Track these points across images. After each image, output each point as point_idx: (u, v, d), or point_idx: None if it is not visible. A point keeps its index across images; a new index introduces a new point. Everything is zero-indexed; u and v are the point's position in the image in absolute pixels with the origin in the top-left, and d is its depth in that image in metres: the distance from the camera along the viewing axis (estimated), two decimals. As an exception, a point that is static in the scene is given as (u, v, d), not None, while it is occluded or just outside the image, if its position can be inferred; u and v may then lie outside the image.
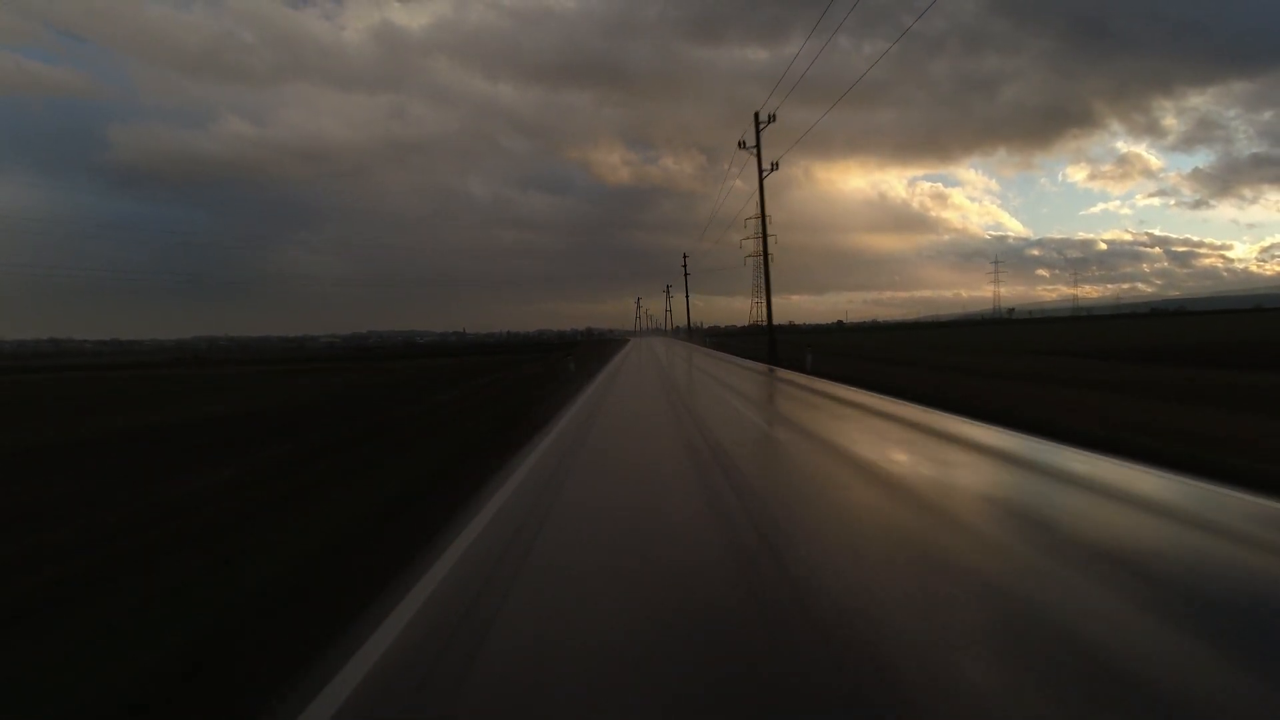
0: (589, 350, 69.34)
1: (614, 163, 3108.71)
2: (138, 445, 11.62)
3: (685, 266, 76.83)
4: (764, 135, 30.05)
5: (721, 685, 2.85)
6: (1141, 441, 8.10)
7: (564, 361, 36.30)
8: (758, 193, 31.02)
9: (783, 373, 24.36)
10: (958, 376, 19.26)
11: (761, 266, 32.79)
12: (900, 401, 13.78)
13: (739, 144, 31.60)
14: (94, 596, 4.13)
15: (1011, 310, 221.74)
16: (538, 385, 22.89)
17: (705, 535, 5.07)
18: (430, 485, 7.19)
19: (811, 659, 3.04)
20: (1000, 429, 9.79)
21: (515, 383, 24.92)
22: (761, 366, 28.41)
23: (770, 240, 32.05)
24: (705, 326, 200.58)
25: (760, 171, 30.61)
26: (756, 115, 30.34)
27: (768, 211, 31.32)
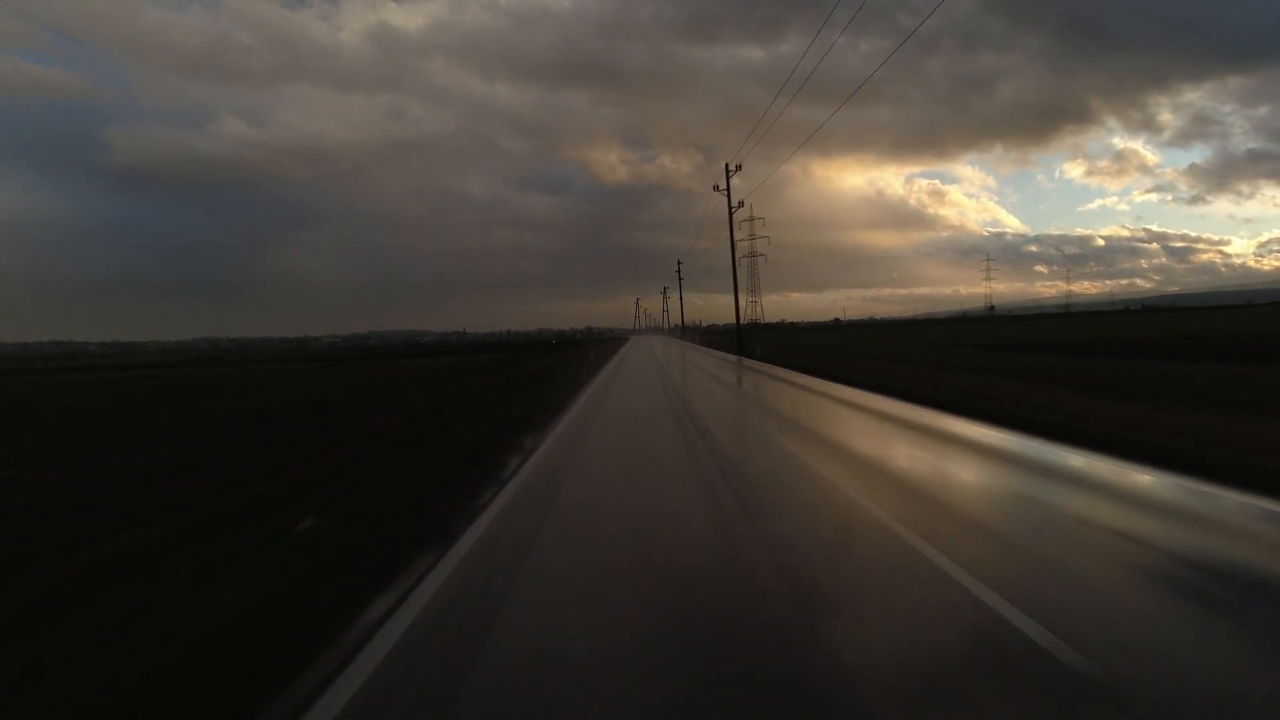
0: (598, 346, 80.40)
1: (612, 162, 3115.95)
2: (293, 412, 16.77)
3: (679, 272, 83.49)
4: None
5: (648, 422, 11.54)
6: (903, 387, 16.66)
7: (584, 352, 45.79)
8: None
9: (736, 358, 32.91)
10: (848, 359, 27.67)
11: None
12: (788, 370, 23.08)
13: (714, 188, 39.10)
14: (404, 447, 11.72)
15: (992, 307, 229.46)
16: (580, 360, 33.32)
17: (660, 396, 14.77)
18: (541, 404, 16.38)
19: (686, 424, 12.22)
20: (824, 381, 18.29)
21: (571, 358, 34.27)
22: (729, 356, 36.84)
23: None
24: (704, 325, 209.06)
25: (730, 209, 38.86)
26: (727, 166, 38.31)
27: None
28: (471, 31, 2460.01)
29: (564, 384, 21.48)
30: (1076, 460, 7.29)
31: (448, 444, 10.05)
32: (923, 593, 3.75)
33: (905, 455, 8.09)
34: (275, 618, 3.76)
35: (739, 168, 38.24)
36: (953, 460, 7.72)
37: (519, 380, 24.74)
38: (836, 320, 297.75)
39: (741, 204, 39.66)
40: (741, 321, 45.57)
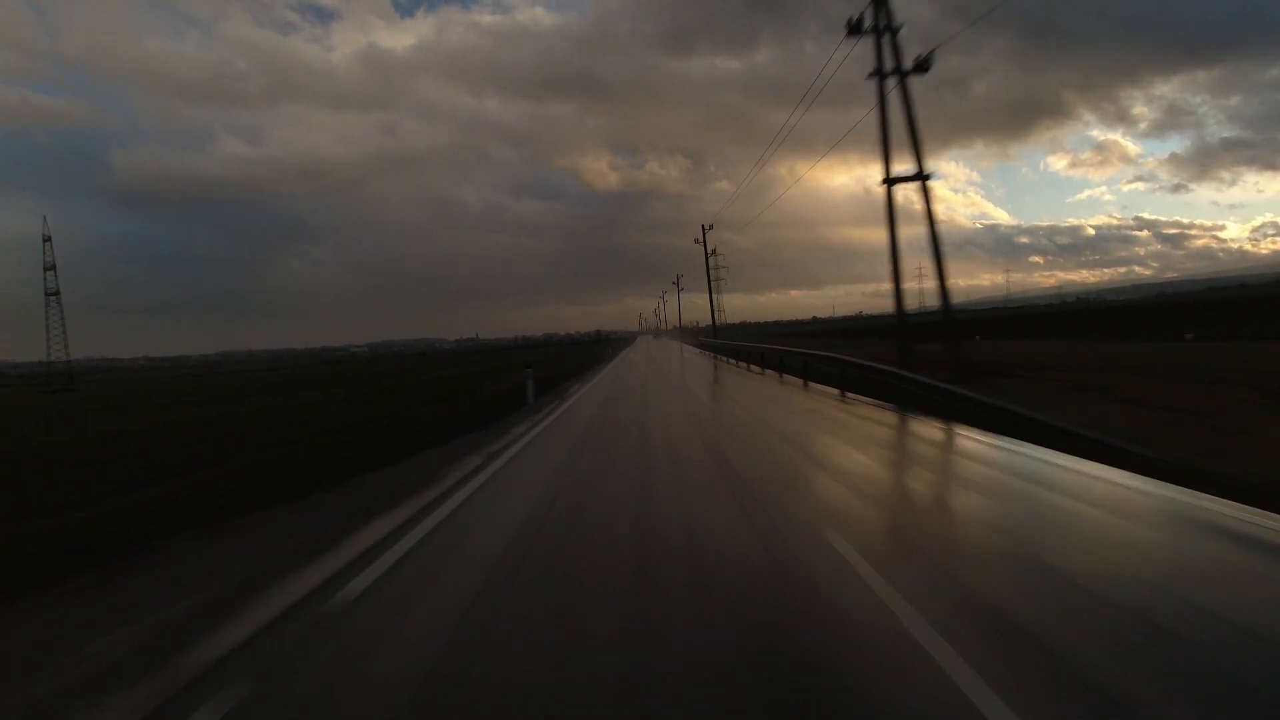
0: (617, 343, 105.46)
1: (602, 169, 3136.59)
2: (466, 377, 39.17)
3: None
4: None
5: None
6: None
7: (617, 346, 60.31)
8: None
9: (697, 349, 55.73)
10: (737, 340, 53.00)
11: (716, 283, 47.81)
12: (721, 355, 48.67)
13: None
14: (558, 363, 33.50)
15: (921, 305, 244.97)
16: (608, 348, 56.67)
17: (645, 350, 41.23)
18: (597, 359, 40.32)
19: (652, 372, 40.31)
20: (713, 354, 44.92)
21: (610, 347, 47.84)
22: (698, 347, 59.72)
23: (720, 268, 47.10)
24: (701, 325, 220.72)
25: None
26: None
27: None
28: (457, 50, 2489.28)
29: (622, 346, 50.84)
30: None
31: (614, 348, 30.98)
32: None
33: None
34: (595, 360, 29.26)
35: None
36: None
37: (608, 347, 52.85)
38: (814, 318, 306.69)
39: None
40: (702, 324, 52.35)
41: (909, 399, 11.58)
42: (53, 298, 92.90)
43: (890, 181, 16.03)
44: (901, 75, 15.12)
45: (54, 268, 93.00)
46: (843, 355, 16.19)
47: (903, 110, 15.33)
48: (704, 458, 7.72)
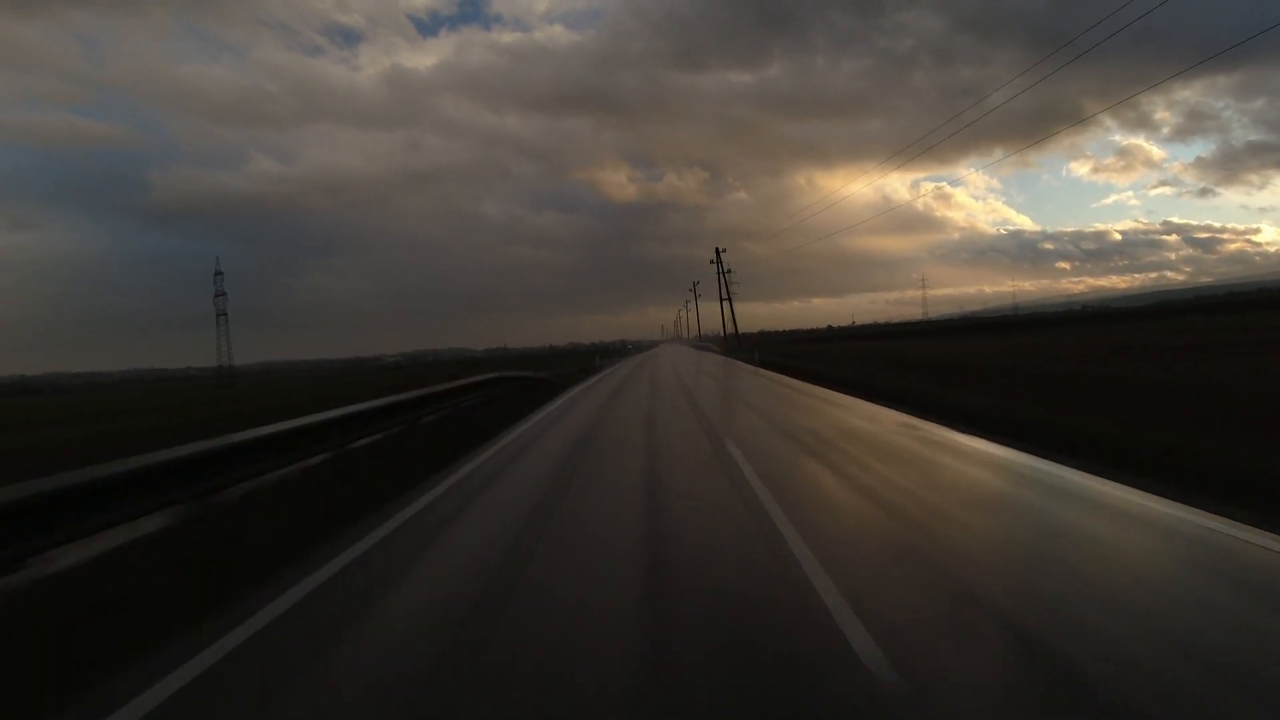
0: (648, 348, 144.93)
1: (620, 181, 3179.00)
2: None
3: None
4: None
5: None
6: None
7: (643, 349, 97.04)
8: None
9: (694, 348, 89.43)
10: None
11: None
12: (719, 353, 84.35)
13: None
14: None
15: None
16: (640, 349, 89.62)
17: (662, 348, 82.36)
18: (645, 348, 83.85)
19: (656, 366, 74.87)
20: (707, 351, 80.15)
21: (640, 348, 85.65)
22: (694, 348, 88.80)
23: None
24: (722, 334, 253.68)
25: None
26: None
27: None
28: (477, 69, 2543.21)
29: (649, 348, 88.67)
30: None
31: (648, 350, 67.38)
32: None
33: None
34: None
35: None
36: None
37: (643, 350, 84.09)
38: (830, 326, 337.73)
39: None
40: (723, 333, 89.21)
41: (720, 354, 52.45)
42: (221, 317, 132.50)
43: (723, 299, 58.48)
44: (724, 273, 59.72)
45: (224, 294, 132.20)
46: (712, 346, 57.56)
47: (726, 288, 59.61)
48: (668, 358, 49.39)
